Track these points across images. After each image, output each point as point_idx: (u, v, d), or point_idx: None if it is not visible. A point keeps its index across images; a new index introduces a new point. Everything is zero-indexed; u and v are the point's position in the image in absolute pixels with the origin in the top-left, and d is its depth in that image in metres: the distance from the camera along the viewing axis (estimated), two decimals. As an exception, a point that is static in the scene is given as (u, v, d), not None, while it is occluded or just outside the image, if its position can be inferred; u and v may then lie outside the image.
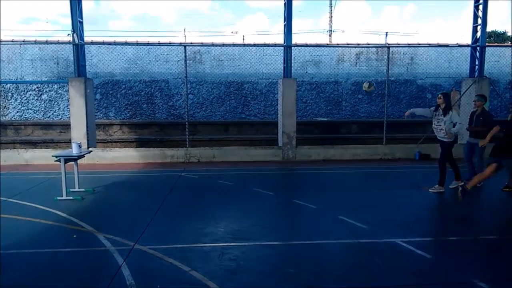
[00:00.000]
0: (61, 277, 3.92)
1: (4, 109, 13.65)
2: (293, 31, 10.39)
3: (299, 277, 3.87)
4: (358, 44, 14.70)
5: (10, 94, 13.61)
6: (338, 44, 15.96)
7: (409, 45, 14.93)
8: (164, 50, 13.81)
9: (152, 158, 10.24)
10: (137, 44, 13.19)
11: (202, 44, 13.86)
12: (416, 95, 14.94)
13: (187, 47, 11.04)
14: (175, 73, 14.02)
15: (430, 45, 14.65)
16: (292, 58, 10.71)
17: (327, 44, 18.64)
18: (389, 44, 15.17)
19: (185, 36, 29.24)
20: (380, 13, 78.50)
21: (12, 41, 13.70)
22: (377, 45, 16.64)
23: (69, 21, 9.85)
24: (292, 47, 10.73)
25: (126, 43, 13.08)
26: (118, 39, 14.03)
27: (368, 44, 15.35)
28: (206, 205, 6.40)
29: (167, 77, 14.03)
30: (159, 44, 13.40)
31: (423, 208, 6.48)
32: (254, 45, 13.88)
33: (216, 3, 75.64)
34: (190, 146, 10.55)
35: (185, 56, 10.47)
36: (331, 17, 33.98)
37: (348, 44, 15.02)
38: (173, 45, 13.37)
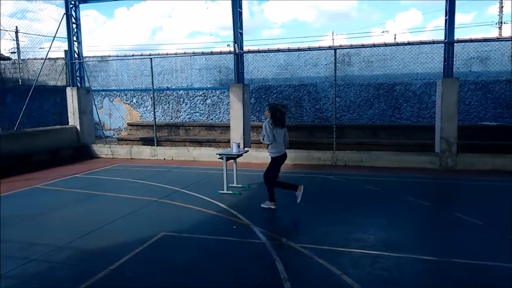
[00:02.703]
0: (224, 262, 4.40)
1: (177, 112, 15.96)
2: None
3: (463, 299, 3.50)
4: (541, 35, 12.34)
5: (182, 99, 15.84)
6: (512, 37, 13.70)
7: None
8: (313, 55, 14.10)
9: (300, 159, 10.58)
10: (288, 50, 13.76)
11: (351, 46, 13.66)
12: None
13: (337, 50, 11.04)
14: (323, 77, 14.17)
15: None
16: (454, 55, 9.68)
17: (497, 38, 16.18)
18: None
19: (333, 39, 29.28)
20: None
21: (184, 53, 15.92)
22: None
23: (227, 33, 11.10)
24: (454, 44, 9.69)
25: (278, 50, 13.80)
26: (270, 47, 14.91)
27: (555, 34, 12.75)
28: (354, 209, 6.31)
29: (315, 81, 14.27)
30: (309, 49, 13.74)
31: None
32: (408, 43, 12.99)
33: (364, 4, 73.49)
34: (337, 149, 10.53)
35: (335, 59, 10.50)
36: (502, 7, 29.37)
37: (526, 35, 12.77)
38: (323, 49, 13.54)
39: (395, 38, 28.42)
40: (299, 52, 14.19)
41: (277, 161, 6.35)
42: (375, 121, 13.72)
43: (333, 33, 42.37)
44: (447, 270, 4.15)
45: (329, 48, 13.49)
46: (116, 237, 5.16)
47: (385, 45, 13.49)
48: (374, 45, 13.52)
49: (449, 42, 9.51)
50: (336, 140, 10.61)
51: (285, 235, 5.04)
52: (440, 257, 4.44)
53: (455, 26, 9.48)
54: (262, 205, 6.39)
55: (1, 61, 18.37)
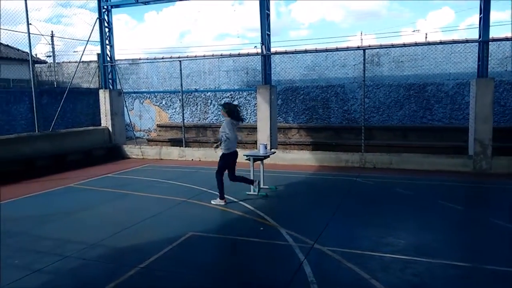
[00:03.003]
0: (251, 263, 4.43)
1: (205, 114, 16.17)
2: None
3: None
4: None
5: (209, 101, 16.03)
6: (553, 34, 13.05)
7: None
8: (341, 55, 13.95)
9: (327, 161, 10.48)
10: (316, 51, 13.66)
11: (381, 46, 13.42)
12: None
13: (366, 50, 10.88)
14: (351, 78, 14.00)
15: None
16: (489, 54, 9.33)
17: (537, 35, 15.45)
18: None
19: (361, 39, 28.82)
20: None
21: (212, 56, 16.11)
22: None
23: (254, 34, 11.10)
24: (489, 42, 9.34)
25: (306, 51, 13.73)
26: (297, 48, 14.86)
27: None
28: (383, 213, 6.20)
29: (343, 81, 14.11)
30: (337, 49, 13.59)
31: None
32: (440, 42, 12.63)
33: (394, 3, 71.92)
34: (365, 151, 10.36)
35: (364, 59, 10.34)
36: (542, 2, 27.97)
37: None
38: (351, 50, 13.37)
39: (426, 37, 27.66)
40: (327, 53, 14.06)
41: (228, 157, 6.84)
42: (405, 123, 13.42)
43: (361, 33, 41.54)
44: (481, 277, 4.01)
45: (358, 48, 13.31)
46: (146, 235, 5.29)
47: (416, 44, 13.19)
48: (404, 45, 13.25)
49: (484, 41, 9.18)
50: (364, 141, 10.43)
51: (313, 237, 5.01)
52: (474, 263, 4.29)
53: (490, 24, 9.15)
54: (212, 202, 6.79)
55: (38, 65, 19.19)
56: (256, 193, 7.26)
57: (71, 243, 5.03)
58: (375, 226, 5.51)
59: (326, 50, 13.83)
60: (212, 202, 6.79)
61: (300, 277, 3.98)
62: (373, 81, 13.66)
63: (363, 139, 10.39)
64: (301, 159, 10.69)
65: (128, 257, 4.58)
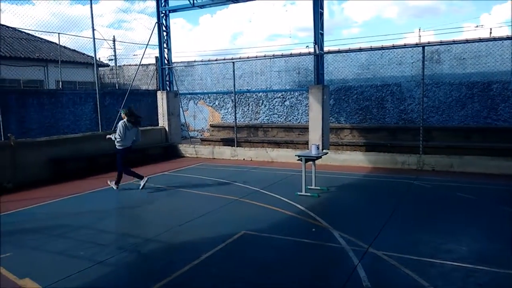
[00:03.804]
0: (304, 264, 4.39)
1: (256, 114, 16.31)
2: None
3: None
4: None
5: (261, 101, 16.15)
6: None
7: None
8: (398, 53, 13.44)
9: (381, 163, 10.13)
10: (371, 49, 13.27)
11: (441, 43, 12.75)
12: None
13: (425, 47, 10.38)
14: (408, 76, 13.44)
15: None
16: None
17: None
18: None
19: (419, 36, 27.53)
20: None
21: (264, 56, 16.20)
22: None
23: (304, 34, 11.07)
24: None
25: (360, 50, 13.37)
26: (351, 46, 14.51)
27: None
28: (443, 218, 5.87)
29: (400, 80, 13.59)
30: (394, 47, 13.10)
31: None
32: (507, 38, 11.74)
33: (455, -3, 67.82)
34: (424, 152, 9.88)
35: (423, 57, 9.86)
36: None
37: None
38: (409, 47, 12.81)
39: (490, 32, 25.76)
40: (382, 51, 13.61)
41: (123, 151, 8.01)
42: (468, 123, 12.65)
43: (419, 29, 39.63)
44: (557, 292, 3.67)
45: (416, 45, 12.75)
46: (200, 232, 5.43)
47: (480, 40, 12.37)
48: (467, 41, 12.50)
49: (561, 34, 8.39)
50: (423, 143, 9.96)
51: (367, 241, 4.86)
52: (548, 276, 3.94)
53: None
54: (108, 181, 8.28)
55: (101, 68, 20.44)
56: (309, 194, 7.19)
57: (129, 237, 5.30)
58: (434, 231, 5.24)
59: (382, 48, 13.39)
60: (108, 181, 8.27)
61: (354, 281, 3.88)
62: (432, 79, 13.03)
63: (421, 140, 9.92)
64: (353, 160, 10.43)
65: (183, 253, 4.73)
